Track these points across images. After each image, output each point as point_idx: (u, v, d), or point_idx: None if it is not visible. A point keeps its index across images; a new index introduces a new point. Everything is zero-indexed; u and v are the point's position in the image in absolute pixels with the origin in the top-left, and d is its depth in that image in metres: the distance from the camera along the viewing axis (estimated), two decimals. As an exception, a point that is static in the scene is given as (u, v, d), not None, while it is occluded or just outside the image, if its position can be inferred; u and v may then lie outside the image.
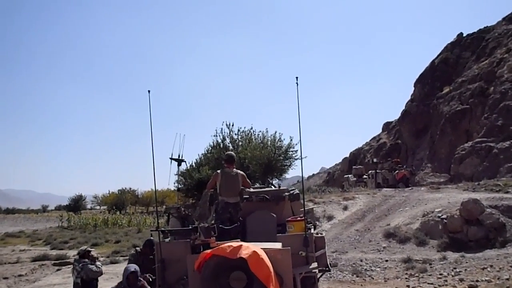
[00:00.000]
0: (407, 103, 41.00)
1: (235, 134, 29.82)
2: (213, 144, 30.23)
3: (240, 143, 29.19)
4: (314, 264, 6.00)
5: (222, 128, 29.72)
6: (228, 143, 29.27)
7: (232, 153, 7.64)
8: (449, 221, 13.16)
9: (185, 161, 7.70)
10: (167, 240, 6.71)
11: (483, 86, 30.00)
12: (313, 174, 73.47)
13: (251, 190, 7.47)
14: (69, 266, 15.88)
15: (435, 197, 16.64)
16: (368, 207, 18.13)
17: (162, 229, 6.73)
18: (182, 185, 27.13)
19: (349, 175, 32.48)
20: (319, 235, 6.85)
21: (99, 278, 8.01)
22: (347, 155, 50.22)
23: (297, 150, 29.01)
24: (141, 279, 5.47)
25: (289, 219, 6.62)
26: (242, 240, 5.72)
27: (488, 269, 10.41)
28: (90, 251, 8.08)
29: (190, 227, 6.41)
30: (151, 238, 7.80)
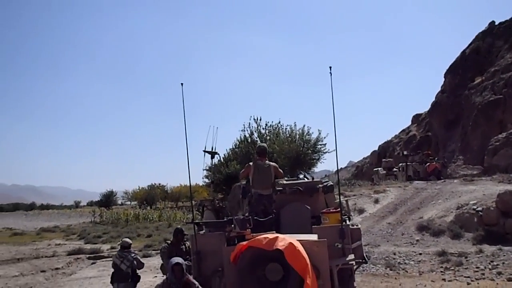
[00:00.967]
0: (437, 94, 40.14)
1: (263, 128, 29.93)
2: (241, 138, 30.40)
3: (268, 137, 29.18)
4: (351, 256, 5.93)
5: (249, 123, 29.89)
6: (256, 138, 29.31)
7: (264, 145, 7.56)
8: (484, 214, 12.88)
9: (218, 154, 7.71)
10: (201, 232, 6.73)
11: (517, 75, 29.09)
12: (341, 168, 72.77)
13: (284, 181, 7.41)
14: (104, 259, 16.23)
15: (469, 189, 16.28)
16: (400, 200, 17.90)
17: (197, 221, 6.76)
18: (214, 179, 27.26)
19: (379, 168, 32.00)
20: (355, 226, 6.77)
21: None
22: (376, 148, 49.55)
23: (325, 144, 28.80)
24: (187, 274, 5.46)
25: (324, 210, 6.57)
26: (276, 232, 5.69)
27: (528, 262, 10.16)
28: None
29: (225, 219, 6.41)
30: (179, 226, 7.99)
